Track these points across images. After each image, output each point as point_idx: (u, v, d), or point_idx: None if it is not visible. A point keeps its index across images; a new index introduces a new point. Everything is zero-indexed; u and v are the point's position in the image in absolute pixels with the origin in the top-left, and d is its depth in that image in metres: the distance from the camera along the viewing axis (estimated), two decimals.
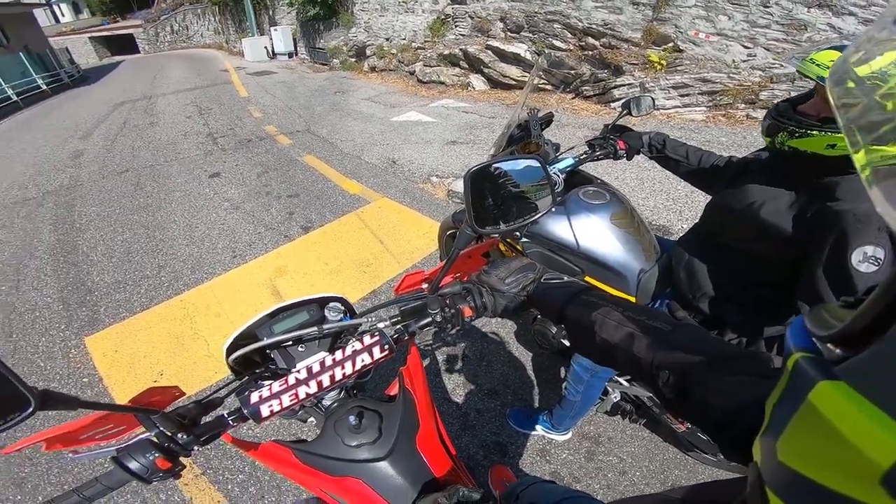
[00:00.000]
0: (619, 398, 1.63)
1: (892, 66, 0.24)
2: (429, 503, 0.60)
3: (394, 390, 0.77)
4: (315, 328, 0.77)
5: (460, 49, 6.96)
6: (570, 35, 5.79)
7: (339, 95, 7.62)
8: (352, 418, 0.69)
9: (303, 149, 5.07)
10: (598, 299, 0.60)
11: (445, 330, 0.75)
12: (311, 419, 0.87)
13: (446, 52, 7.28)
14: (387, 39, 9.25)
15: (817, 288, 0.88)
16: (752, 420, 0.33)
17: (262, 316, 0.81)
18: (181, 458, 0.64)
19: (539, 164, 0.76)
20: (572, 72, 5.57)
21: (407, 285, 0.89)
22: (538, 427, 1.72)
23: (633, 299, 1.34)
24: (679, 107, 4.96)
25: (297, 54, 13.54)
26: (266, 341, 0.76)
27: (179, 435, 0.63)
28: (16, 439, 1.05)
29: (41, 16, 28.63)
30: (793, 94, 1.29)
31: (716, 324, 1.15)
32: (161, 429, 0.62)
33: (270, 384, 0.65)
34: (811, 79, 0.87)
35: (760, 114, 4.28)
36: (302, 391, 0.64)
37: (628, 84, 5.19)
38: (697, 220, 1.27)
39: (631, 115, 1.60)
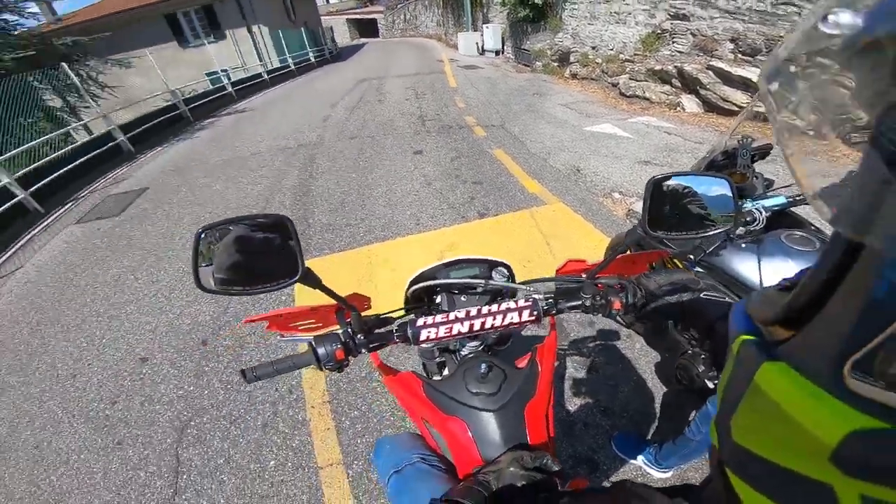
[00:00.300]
0: None
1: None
2: (513, 457, 0.62)
3: (523, 363, 0.81)
4: (483, 281, 0.90)
5: (675, 66, 6.44)
6: None
7: (536, 97, 7.88)
8: (483, 366, 0.76)
9: (494, 142, 5.48)
10: None
11: (593, 314, 0.81)
12: (439, 376, 1.01)
13: (657, 67, 6.82)
14: (593, 48, 9.07)
15: None
16: None
17: (443, 262, 0.96)
18: (350, 358, 0.77)
19: (727, 186, 0.74)
20: None
21: (568, 269, 0.92)
22: (640, 457, 1.65)
23: None
24: None
25: (503, 52, 14.18)
26: (442, 280, 0.92)
27: (359, 336, 0.78)
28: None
29: None
30: None
31: None
32: (349, 328, 0.78)
33: (434, 316, 0.77)
34: None
35: None
36: (456, 328, 0.75)
37: None
38: None
39: None
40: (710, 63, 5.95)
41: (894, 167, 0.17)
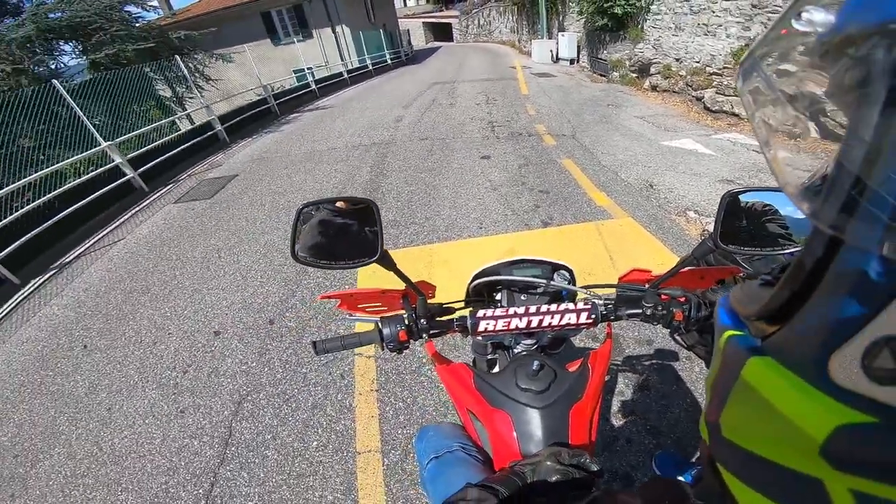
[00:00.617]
0: None
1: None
2: (552, 452, 0.63)
3: (574, 367, 0.81)
4: (544, 281, 0.92)
5: None
6: None
7: (611, 108, 7.66)
8: (535, 363, 0.77)
9: (563, 152, 5.42)
10: None
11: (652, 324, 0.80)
12: (493, 370, 1.03)
13: None
14: (676, 60, 8.61)
15: None
16: None
17: (507, 260, 0.99)
18: (411, 341, 0.81)
19: None
20: None
21: (632, 278, 0.91)
22: (680, 479, 1.60)
23: None
24: None
25: (578, 61, 13.87)
26: (505, 277, 0.95)
27: (421, 321, 0.81)
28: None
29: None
30: None
31: None
32: (413, 312, 0.81)
33: (494, 309, 0.79)
34: None
35: None
36: (514, 322, 0.76)
37: None
38: None
39: None
40: None
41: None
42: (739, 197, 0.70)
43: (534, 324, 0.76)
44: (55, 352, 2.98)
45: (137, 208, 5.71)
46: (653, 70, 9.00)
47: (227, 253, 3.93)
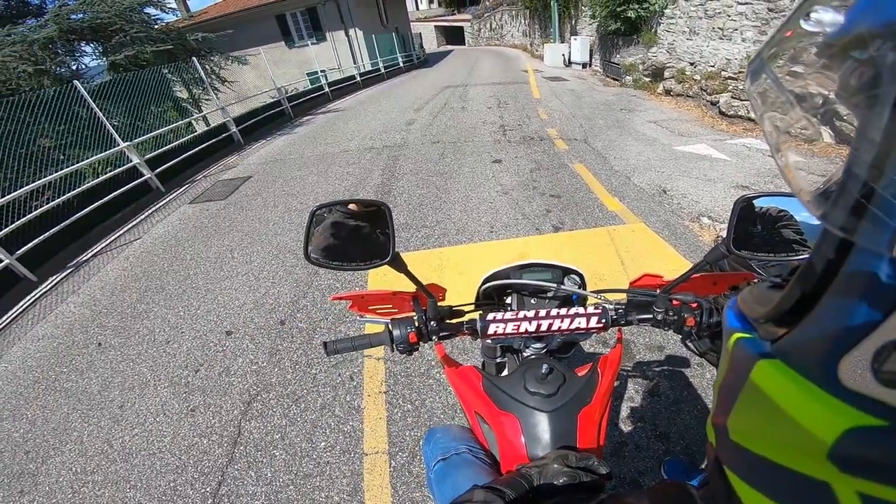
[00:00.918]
0: None
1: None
2: (559, 455, 0.62)
3: (583, 372, 0.81)
4: (554, 285, 0.92)
5: None
6: None
7: (623, 113, 7.60)
8: (544, 367, 0.76)
9: (575, 156, 5.39)
10: None
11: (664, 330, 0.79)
12: (503, 374, 1.02)
13: None
14: (691, 64, 8.52)
15: None
16: None
17: (517, 264, 0.98)
18: (421, 343, 0.81)
19: None
20: None
21: (643, 283, 0.91)
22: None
23: None
24: None
25: (590, 65, 13.83)
26: (515, 281, 0.95)
27: (431, 323, 0.81)
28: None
29: (409, 2, 35.00)
30: None
31: None
32: (424, 314, 0.82)
33: (504, 312, 0.79)
34: None
35: None
36: (524, 326, 0.77)
37: None
38: None
39: None
40: None
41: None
42: (753, 202, 0.70)
43: (543, 327, 0.76)
44: (70, 349, 3.03)
45: (154, 208, 5.81)
46: (666, 74, 8.91)
47: (241, 253, 3.98)
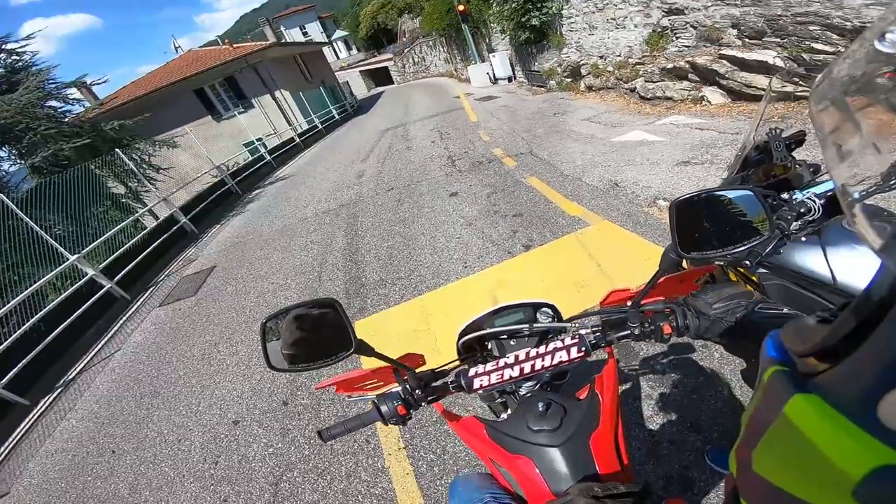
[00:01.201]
0: None
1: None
2: (582, 489, 0.62)
3: (583, 395, 0.81)
4: (527, 326, 0.93)
5: (686, 61, 6.38)
6: (835, 36, 4.66)
7: (557, 117, 7.97)
8: (540, 405, 0.76)
9: (526, 170, 5.57)
10: None
11: (645, 341, 0.81)
12: (504, 414, 1.02)
13: (670, 65, 6.77)
14: (600, 57, 9.12)
15: None
16: None
17: (488, 312, 1.00)
18: (411, 411, 0.82)
19: (752, 195, 0.72)
20: None
21: (612, 300, 0.92)
22: None
23: None
24: None
25: (515, 78, 14.39)
26: (488, 330, 0.96)
27: (416, 391, 0.82)
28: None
29: (328, 53, 35.78)
30: None
31: None
32: (407, 385, 0.83)
33: (485, 364, 0.80)
34: None
35: None
36: (507, 373, 0.78)
37: None
38: None
39: None
40: (721, 52, 5.88)
41: None
42: (687, 203, 0.72)
43: (527, 370, 0.77)
44: (86, 459, 3.10)
45: (124, 318, 5.61)
46: (583, 72, 9.48)
47: (225, 346, 3.90)
